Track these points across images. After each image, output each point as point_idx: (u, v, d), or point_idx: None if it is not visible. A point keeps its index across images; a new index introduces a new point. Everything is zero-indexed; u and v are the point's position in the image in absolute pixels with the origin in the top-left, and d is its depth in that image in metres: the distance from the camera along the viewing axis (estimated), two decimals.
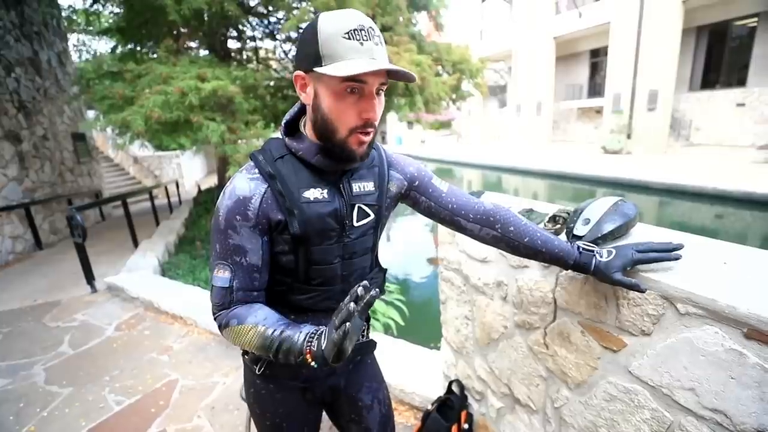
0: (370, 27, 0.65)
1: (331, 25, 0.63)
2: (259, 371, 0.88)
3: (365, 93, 0.66)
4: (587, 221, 0.95)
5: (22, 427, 2.05)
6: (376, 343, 0.86)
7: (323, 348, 0.61)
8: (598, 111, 15.37)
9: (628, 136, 12.91)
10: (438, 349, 2.19)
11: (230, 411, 2.09)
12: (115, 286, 3.85)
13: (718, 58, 12.29)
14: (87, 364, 2.63)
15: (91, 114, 9.13)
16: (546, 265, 1.04)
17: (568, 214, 1.06)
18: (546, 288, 1.05)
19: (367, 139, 0.71)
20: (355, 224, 0.80)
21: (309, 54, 0.65)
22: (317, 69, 0.64)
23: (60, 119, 7.39)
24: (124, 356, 2.71)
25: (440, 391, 1.75)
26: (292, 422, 0.95)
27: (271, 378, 0.91)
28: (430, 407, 1.63)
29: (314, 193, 0.74)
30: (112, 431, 1.99)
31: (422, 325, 3.60)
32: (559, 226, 1.05)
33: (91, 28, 9.16)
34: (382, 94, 0.71)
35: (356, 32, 0.63)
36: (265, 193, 0.73)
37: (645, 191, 8.42)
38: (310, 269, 0.79)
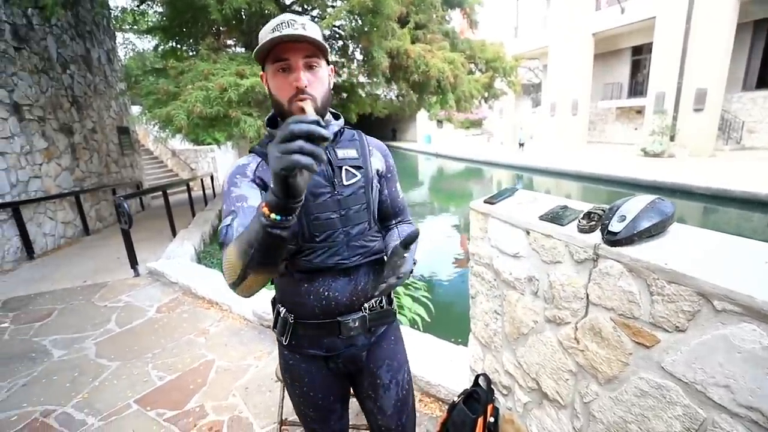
0: (291, 19, 0.79)
1: (266, 27, 0.81)
2: (285, 342, 0.99)
3: (292, 68, 0.81)
4: (623, 218, 0.95)
5: (78, 394, 2.24)
6: (395, 312, 0.99)
7: (272, 187, 0.59)
8: (639, 111, 14.73)
9: (672, 138, 12.27)
10: (463, 345, 2.21)
11: (263, 392, 2.19)
12: (156, 271, 4.09)
13: None
14: (132, 342, 2.83)
15: (135, 109, 9.66)
16: (579, 260, 1.05)
17: (604, 211, 1.06)
18: (579, 283, 1.06)
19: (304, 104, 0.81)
20: (345, 183, 0.92)
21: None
22: (254, 56, 0.83)
23: (107, 113, 7.87)
24: (164, 336, 2.89)
25: (466, 385, 1.77)
26: (317, 392, 1.01)
27: (297, 348, 0.99)
28: (456, 399, 1.65)
29: None
30: (155, 403, 2.14)
31: (447, 322, 3.62)
32: (594, 222, 1.05)
33: (136, 27, 9.68)
34: (318, 70, 0.83)
35: (279, 26, 0.78)
36: (260, 162, 0.91)
37: (688, 197, 8.00)
38: (311, 224, 0.89)
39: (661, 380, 0.85)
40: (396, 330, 1.12)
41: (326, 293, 0.92)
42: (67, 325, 3.12)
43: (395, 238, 1.03)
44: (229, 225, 0.79)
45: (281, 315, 0.99)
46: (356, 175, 0.94)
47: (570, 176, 11.44)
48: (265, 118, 0.95)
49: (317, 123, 0.56)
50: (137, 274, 4.24)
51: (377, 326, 1.02)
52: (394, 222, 1.10)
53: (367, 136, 1.04)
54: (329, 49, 0.96)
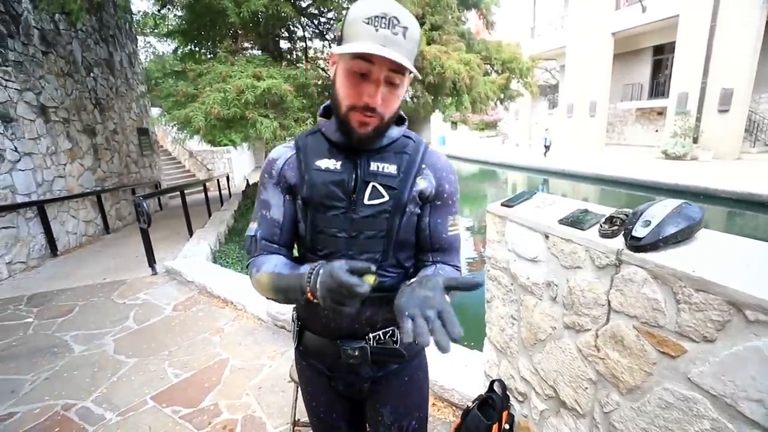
0: (394, 17, 0.66)
1: (358, 10, 0.67)
2: (295, 345, 0.97)
3: (371, 78, 0.69)
4: (648, 223, 0.92)
5: (97, 389, 2.29)
6: (404, 354, 0.84)
7: (318, 289, 0.64)
8: (660, 112, 14.36)
9: (695, 140, 11.90)
10: (477, 349, 2.18)
11: (276, 392, 2.20)
12: (173, 270, 4.17)
13: None
14: (149, 339, 2.88)
15: (154, 111, 9.90)
16: (601, 265, 1.02)
17: (627, 215, 1.03)
18: (600, 289, 1.03)
19: (368, 120, 0.72)
20: (366, 202, 0.78)
21: (339, 35, 0.73)
22: (334, 48, 0.71)
23: (128, 115, 8.08)
24: (180, 334, 2.94)
25: (480, 391, 1.74)
26: (320, 405, 0.97)
27: (305, 355, 0.96)
28: (470, 405, 1.63)
29: (327, 163, 0.79)
30: (171, 399, 2.18)
31: (461, 325, 3.57)
32: (616, 227, 1.02)
33: (157, 30, 9.92)
34: (398, 87, 0.72)
35: (376, 18, 0.65)
36: (290, 158, 0.84)
37: (711, 201, 7.74)
38: (316, 237, 0.82)
39: (688, 392, 0.81)
40: (416, 370, 0.95)
41: (326, 312, 0.84)
42: (88, 322, 3.21)
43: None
44: (253, 236, 0.85)
45: (293, 317, 0.97)
46: (383, 196, 0.78)
47: (588, 179, 11.22)
48: (321, 107, 0.85)
49: (353, 291, 0.58)
50: (155, 273, 4.32)
51: (383, 362, 0.88)
52: (431, 259, 0.88)
53: (432, 152, 0.85)
54: None
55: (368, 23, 0.65)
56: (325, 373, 0.92)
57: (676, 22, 12.19)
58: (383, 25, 0.65)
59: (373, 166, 0.79)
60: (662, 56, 14.83)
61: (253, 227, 0.85)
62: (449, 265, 0.88)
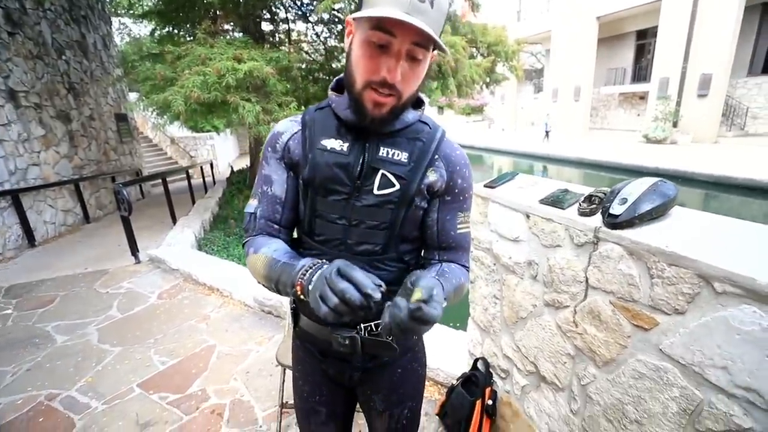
0: None
1: None
2: (291, 324, 0.94)
3: (392, 50, 0.62)
4: (624, 201, 0.94)
5: (81, 378, 2.27)
6: (396, 348, 0.77)
7: (310, 291, 0.60)
8: (642, 97, 14.55)
9: (674, 125, 12.17)
10: (462, 329, 2.22)
11: (264, 376, 2.22)
12: (156, 258, 4.10)
13: None
14: (134, 327, 2.85)
15: (132, 95, 9.56)
16: (579, 243, 1.04)
17: (605, 194, 1.05)
18: (578, 267, 1.05)
19: (384, 101, 0.66)
20: (376, 191, 0.73)
21: (358, 1, 0.66)
22: (351, 15, 0.65)
23: (104, 100, 7.78)
24: (166, 322, 2.91)
25: (465, 369, 1.79)
26: (306, 383, 0.94)
27: (301, 336, 0.92)
28: (455, 382, 1.67)
29: (332, 143, 0.74)
30: (158, 386, 2.17)
31: (445, 306, 3.64)
32: (594, 206, 1.04)
33: (132, 11, 9.51)
34: (420, 63, 0.66)
35: None
36: (296, 133, 0.79)
37: (690, 183, 7.97)
38: (314, 221, 0.78)
39: (659, 362, 0.85)
40: (410, 362, 0.92)
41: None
42: (70, 312, 3.14)
43: (431, 275, 0.74)
44: (252, 213, 0.81)
45: (291, 299, 0.92)
46: (394, 185, 0.73)
47: (572, 163, 11.39)
48: (334, 79, 0.79)
49: (367, 296, 0.54)
50: (138, 261, 4.25)
51: (374, 353, 0.83)
52: (437, 257, 0.83)
53: (448, 141, 0.79)
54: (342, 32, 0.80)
55: None
56: (316, 356, 0.89)
57: (659, 6, 12.28)
58: None
59: (383, 151, 0.73)
60: (645, 41, 14.96)
61: (252, 204, 0.81)
62: (457, 264, 0.82)
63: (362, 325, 0.77)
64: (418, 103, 0.78)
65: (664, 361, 0.84)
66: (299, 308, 0.88)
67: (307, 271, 0.63)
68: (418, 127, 0.77)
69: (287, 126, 0.80)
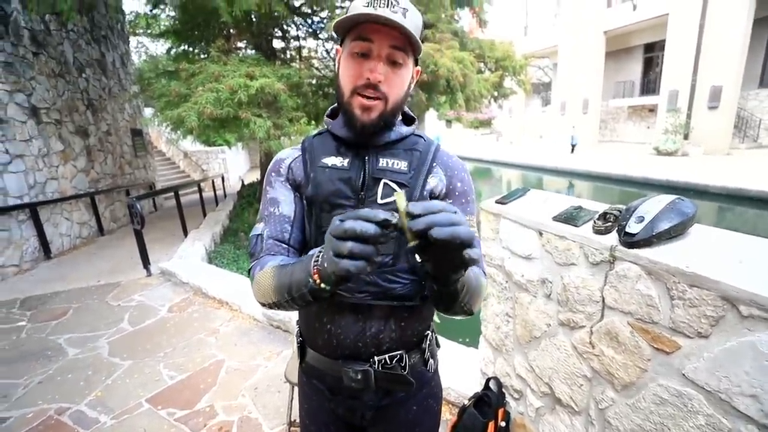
0: None
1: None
2: (298, 360, 0.88)
3: (372, 55, 0.67)
4: (641, 219, 0.92)
5: (91, 392, 2.27)
6: (412, 383, 0.74)
7: (324, 261, 0.54)
8: (651, 110, 14.48)
9: (685, 137, 12.04)
10: (473, 346, 2.18)
11: (272, 393, 2.19)
12: (167, 271, 4.13)
13: None
14: (144, 341, 2.86)
15: (148, 111, 9.80)
16: (595, 262, 1.02)
17: (620, 211, 1.03)
18: (594, 286, 1.03)
19: (371, 104, 0.69)
20: (379, 200, 0.73)
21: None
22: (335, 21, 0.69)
23: (121, 116, 7.99)
24: (176, 336, 2.92)
25: (476, 388, 1.75)
26: (312, 422, 0.89)
27: (307, 371, 0.86)
28: (466, 402, 1.63)
29: (333, 161, 0.75)
30: (167, 401, 2.16)
31: (456, 322, 3.59)
32: (610, 223, 1.02)
33: (149, 31, 9.84)
34: (402, 68, 0.70)
35: (375, 0, 0.64)
36: (297, 157, 0.81)
37: (702, 196, 7.83)
38: (320, 238, 0.74)
39: (682, 388, 0.82)
40: (426, 398, 0.85)
41: (329, 326, 0.76)
42: (82, 324, 3.17)
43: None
44: (259, 235, 0.77)
45: (297, 332, 0.88)
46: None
47: (581, 176, 11.28)
48: (329, 108, 0.82)
49: (383, 224, 0.48)
50: (149, 274, 4.29)
51: (388, 389, 0.79)
52: None
53: (443, 151, 0.82)
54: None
55: (367, 6, 0.65)
56: (325, 393, 0.83)
57: (666, 20, 12.31)
58: (382, 5, 0.64)
59: (383, 162, 0.74)
60: (653, 54, 14.95)
61: (259, 227, 0.78)
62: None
63: (375, 358, 0.75)
64: (410, 120, 0.82)
65: (688, 386, 0.81)
66: (307, 341, 0.84)
67: (320, 254, 0.58)
68: (413, 139, 0.80)
69: (288, 152, 0.83)
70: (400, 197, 0.49)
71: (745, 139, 12.11)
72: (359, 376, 0.73)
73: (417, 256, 0.54)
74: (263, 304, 0.72)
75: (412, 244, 0.48)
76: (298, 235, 0.78)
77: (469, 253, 0.48)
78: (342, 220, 0.50)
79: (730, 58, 10.77)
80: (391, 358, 0.75)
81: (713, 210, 7.46)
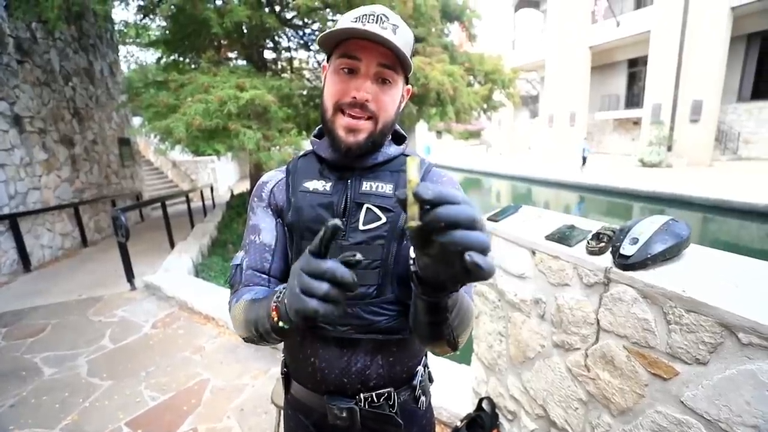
0: (383, 14, 0.62)
1: (348, 14, 0.65)
2: (283, 390, 0.85)
3: (360, 73, 0.64)
4: (635, 240, 0.91)
5: (67, 416, 2.16)
6: (401, 424, 0.69)
7: (288, 299, 0.49)
8: (636, 122, 14.82)
9: (669, 149, 12.35)
10: (465, 364, 2.14)
11: (258, 414, 2.12)
12: (152, 285, 4.02)
13: None
14: (125, 359, 2.75)
15: (136, 120, 9.69)
16: (589, 284, 1.01)
17: (614, 232, 1.02)
18: (588, 308, 1.01)
19: (359, 125, 0.65)
20: (361, 227, 0.68)
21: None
22: (320, 35, 0.66)
23: (108, 125, 7.87)
24: (159, 353, 2.82)
25: (469, 408, 1.71)
26: None
27: (293, 403, 0.83)
28: (459, 423, 1.59)
29: (315, 185, 0.73)
30: (147, 425, 2.07)
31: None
32: (603, 244, 1.01)
33: (139, 40, 9.78)
34: (392, 86, 0.66)
35: (364, 16, 0.62)
36: (279, 180, 0.78)
37: (687, 207, 7.99)
38: None
39: (681, 416, 0.80)
40: None
41: (312, 359, 0.73)
42: (60, 342, 3.05)
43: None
44: (238, 265, 0.74)
45: (282, 362, 0.85)
46: (380, 219, 0.68)
47: (569, 187, 11.44)
48: (316, 128, 0.79)
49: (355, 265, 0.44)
50: (133, 288, 4.17)
51: (375, 428, 0.74)
52: None
53: (435, 171, 0.76)
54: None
55: (356, 21, 0.62)
56: (310, 428, 0.79)
57: (648, 37, 12.71)
58: (371, 21, 0.62)
59: (366, 185, 0.70)
60: (636, 68, 15.39)
61: (239, 256, 0.75)
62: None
63: (362, 395, 0.70)
64: (401, 139, 0.78)
65: (687, 414, 0.79)
66: (292, 374, 0.80)
67: (282, 291, 0.54)
68: (401, 160, 0.74)
69: (272, 175, 0.80)
70: (412, 164, 0.40)
71: (725, 151, 12.46)
72: (344, 414, 0.70)
73: (412, 252, 0.47)
74: (243, 338, 0.68)
75: (412, 224, 0.39)
76: (279, 264, 0.75)
77: (477, 259, 0.34)
78: (315, 254, 0.44)
79: (710, 74, 11.15)
80: (379, 396, 0.71)
81: (698, 220, 7.61)
